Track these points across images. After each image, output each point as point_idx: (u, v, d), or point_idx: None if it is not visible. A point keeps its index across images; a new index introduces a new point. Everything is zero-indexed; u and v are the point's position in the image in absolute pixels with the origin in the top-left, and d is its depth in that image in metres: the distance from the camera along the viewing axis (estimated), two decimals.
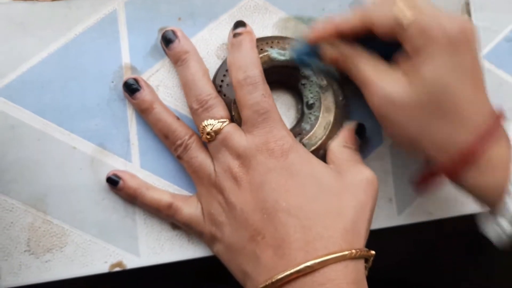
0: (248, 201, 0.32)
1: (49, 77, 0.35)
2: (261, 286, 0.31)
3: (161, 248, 0.37)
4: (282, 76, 0.37)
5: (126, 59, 0.36)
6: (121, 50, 0.36)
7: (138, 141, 0.36)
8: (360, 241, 0.33)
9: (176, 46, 0.36)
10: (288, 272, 0.30)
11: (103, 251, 0.36)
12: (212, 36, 0.38)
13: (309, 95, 0.37)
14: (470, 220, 0.42)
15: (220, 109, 0.34)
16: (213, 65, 0.37)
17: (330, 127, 0.37)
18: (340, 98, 0.38)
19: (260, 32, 0.38)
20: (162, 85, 0.37)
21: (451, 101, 0.32)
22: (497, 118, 0.33)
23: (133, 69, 0.36)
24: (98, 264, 0.36)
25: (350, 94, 0.38)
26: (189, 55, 0.36)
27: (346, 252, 0.31)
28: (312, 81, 0.37)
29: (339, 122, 0.37)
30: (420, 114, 0.32)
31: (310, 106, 0.37)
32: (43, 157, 0.35)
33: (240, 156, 0.33)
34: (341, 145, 0.37)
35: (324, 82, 0.37)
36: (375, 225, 0.40)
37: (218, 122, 0.34)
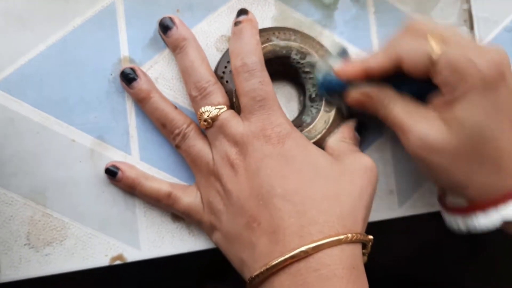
0: (244, 188, 0.32)
1: (48, 70, 0.35)
2: (256, 273, 0.31)
3: (161, 241, 0.36)
4: (286, 67, 0.37)
5: (124, 51, 0.36)
6: (119, 43, 0.36)
7: (137, 134, 0.36)
8: (357, 227, 0.32)
9: (174, 33, 0.36)
10: (282, 258, 0.30)
11: (104, 244, 0.36)
12: (211, 28, 0.37)
13: (312, 88, 0.37)
14: None
15: (218, 95, 0.34)
16: (212, 57, 0.37)
17: (330, 121, 0.37)
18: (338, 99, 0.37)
19: (259, 24, 0.38)
20: (161, 77, 0.37)
21: (492, 146, 0.32)
22: None
23: (131, 61, 0.36)
24: (99, 257, 0.36)
25: None
26: (188, 42, 0.35)
27: (342, 236, 0.30)
28: (315, 74, 0.37)
29: (340, 117, 0.37)
30: (461, 159, 0.32)
31: (312, 99, 0.37)
32: (42, 150, 0.35)
33: (237, 142, 0.33)
34: (339, 140, 0.37)
35: None
36: (376, 217, 0.40)
37: (215, 108, 0.34)
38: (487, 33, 0.42)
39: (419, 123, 0.33)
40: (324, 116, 0.37)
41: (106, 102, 0.36)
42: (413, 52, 0.32)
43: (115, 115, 0.36)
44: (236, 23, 0.35)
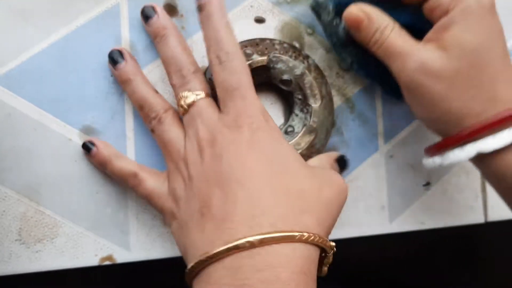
0: (206, 173, 0.31)
1: (49, 68, 0.35)
2: (194, 262, 0.29)
3: (152, 244, 0.37)
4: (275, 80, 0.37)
5: None
6: (121, 45, 0.36)
7: (134, 136, 0.36)
8: (318, 229, 0.29)
9: (155, 21, 0.35)
10: (224, 247, 0.27)
11: (94, 244, 0.36)
12: None
13: (298, 111, 0.37)
14: (465, 225, 0.42)
15: (197, 83, 0.34)
16: None
17: (310, 141, 0.37)
18: (329, 117, 0.37)
19: (262, 34, 0.38)
20: (160, 81, 0.37)
21: (489, 71, 0.32)
22: None
23: None
24: (88, 256, 0.36)
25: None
26: (168, 30, 0.35)
27: (296, 234, 0.27)
28: (303, 100, 0.37)
29: (322, 140, 0.37)
30: (460, 85, 0.32)
31: (296, 116, 0.37)
32: (38, 147, 0.35)
33: (209, 130, 0.32)
34: (316, 161, 0.36)
35: (317, 104, 0.37)
36: (367, 232, 0.40)
37: (193, 94, 0.33)
38: None
39: (418, 48, 0.33)
40: (305, 138, 0.37)
41: (105, 103, 0.36)
42: None
43: (113, 116, 0.36)
44: (199, 8, 0.33)
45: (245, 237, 0.27)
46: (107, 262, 0.36)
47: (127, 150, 0.36)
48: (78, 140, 0.36)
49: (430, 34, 0.33)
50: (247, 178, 0.29)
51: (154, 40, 0.36)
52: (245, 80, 0.32)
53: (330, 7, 0.36)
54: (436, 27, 0.33)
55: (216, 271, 0.28)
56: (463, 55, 0.32)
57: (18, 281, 0.35)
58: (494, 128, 0.32)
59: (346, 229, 0.39)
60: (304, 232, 0.28)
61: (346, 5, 0.35)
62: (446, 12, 0.32)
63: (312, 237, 0.28)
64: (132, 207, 0.36)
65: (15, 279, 0.35)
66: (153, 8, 0.35)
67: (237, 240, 0.27)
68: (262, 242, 0.27)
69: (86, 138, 0.36)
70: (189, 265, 0.29)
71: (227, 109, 0.32)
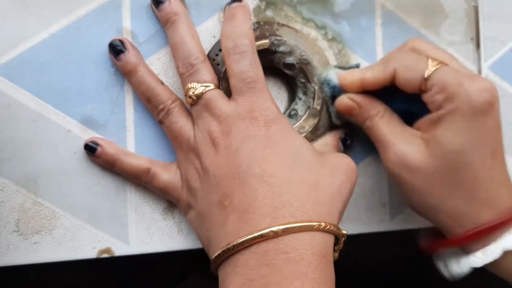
0: (222, 165, 0.32)
1: (49, 58, 0.35)
2: (220, 250, 0.30)
3: (150, 237, 0.36)
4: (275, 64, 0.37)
5: None
6: (123, 36, 0.36)
7: (134, 128, 0.36)
8: (332, 218, 0.31)
9: (166, 7, 0.35)
10: (250, 236, 0.29)
11: (92, 237, 0.36)
12: (216, 27, 0.37)
13: (301, 94, 0.37)
14: None
15: (205, 73, 0.34)
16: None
17: (314, 124, 0.37)
18: (332, 105, 0.37)
19: None
20: (162, 73, 0.36)
21: (469, 174, 0.32)
22: None
23: None
24: (86, 249, 0.36)
25: None
26: (179, 16, 0.35)
27: (315, 223, 0.30)
28: (305, 83, 0.37)
29: (326, 123, 0.38)
30: (436, 182, 0.33)
31: (299, 101, 0.37)
32: (37, 138, 0.35)
33: (221, 122, 0.33)
34: (321, 145, 0.37)
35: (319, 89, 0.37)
36: (367, 229, 0.40)
37: (201, 86, 0.33)
38: (493, 53, 0.42)
39: (400, 141, 0.34)
40: (308, 121, 0.37)
41: (105, 94, 0.36)
42: (409, 67, 0.33)
43: (113, 108, 0.36)
44: (229, 8, 0.35)
45: (269, 227, 0.29)
46: (105, 255, 0.36)
47: (127, 142, 0.36)
48: (77, 131, 0.35)
49: (420, 122, 0.34)
50: (266, 173, 0.31)
51: (165, 26, 0.36)
52: (261, 74, 0.33)
53: (328, 92, 0.37)
54: (427, 118, 0.33)
55: (242, 256, 0.30)
56: (442, 155, 0.32)
57: (15, 272, 0.35)
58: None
59: (346, 226, 0.39)
60: (321, 222, 0.30)
61: (339, 93, 0.36)
62: (439, 107, 0.32)
63: (328, 226, 0.30)
64: (131, 200, 0.36)
65: (12, 270, 0.35)
66: None
67: (261, 230, 0.29)
68: (285, 231, 0.29)
69: (87, 136, 0.35)
70: (215, 254, 0.31)
71: (242, 99, 0.33)
